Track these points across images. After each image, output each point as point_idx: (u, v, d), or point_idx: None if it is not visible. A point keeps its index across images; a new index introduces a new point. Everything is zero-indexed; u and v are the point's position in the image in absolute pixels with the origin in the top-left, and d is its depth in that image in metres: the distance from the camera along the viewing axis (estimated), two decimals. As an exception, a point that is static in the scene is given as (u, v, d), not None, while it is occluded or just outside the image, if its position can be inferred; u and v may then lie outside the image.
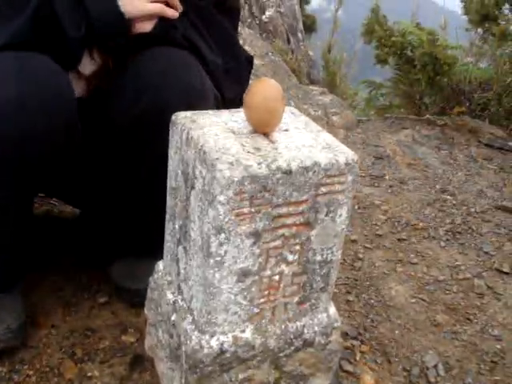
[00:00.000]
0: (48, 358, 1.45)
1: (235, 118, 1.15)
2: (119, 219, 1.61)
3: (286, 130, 1.14)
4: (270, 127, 1.09)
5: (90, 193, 1.64)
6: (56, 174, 1.38)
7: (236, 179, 0.96)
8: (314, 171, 1.03)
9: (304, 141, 1.10)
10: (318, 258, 1.14)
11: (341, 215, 1.11)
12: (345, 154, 1.07)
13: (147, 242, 1.55)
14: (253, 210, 1.01)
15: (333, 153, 1.07)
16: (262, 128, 1.09)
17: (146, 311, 1.38)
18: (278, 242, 1.07)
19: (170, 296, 1.23)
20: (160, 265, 1.32)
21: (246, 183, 0.97)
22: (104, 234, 1.71)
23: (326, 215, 1.09)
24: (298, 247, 1.10)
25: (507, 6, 4.19)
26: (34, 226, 1.51)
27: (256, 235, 1.04)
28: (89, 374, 1.42)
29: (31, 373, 1.39)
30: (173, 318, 1.20)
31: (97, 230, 1.75)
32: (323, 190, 1.06)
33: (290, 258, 1.10)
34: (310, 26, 8.13)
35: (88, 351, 1.48)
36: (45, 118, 1.21)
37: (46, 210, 2.08)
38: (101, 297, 1.67)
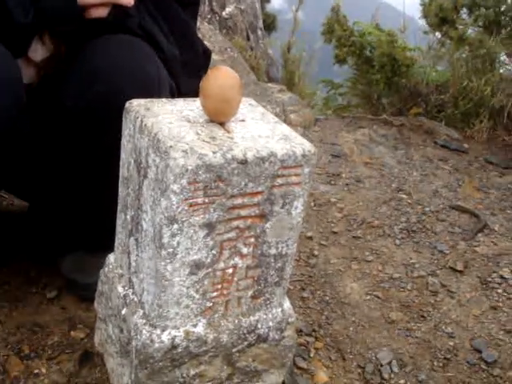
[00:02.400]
0: (-8, 354, 1.40)
1: (191, 106, 1.12)
2: (69, 212, 1.56)
3: (243, 121, 1.12)
4: (226, 116, 1.07)
5: (38, 185, 1.59)
6: (2, 164, 1.33)
7: (190, 168, 0.93)
8: (270, 162, 1.01)
9: (261, 131, 1.08)
10: (273, 251, 1.12)
11: (296, 208, 1.09)
12: (302, 145, 1.05)
13: (98, 235, 1.50)
14: (207, 200, 0.98)
15: (290, 144, 1.05)
16: (218, 117, 1.06)
17: (95, 305, 1.34)
18: (232, 234, 1.05)
19: (120, 289, 1.20)
20: (111, 257, 1.29)
21: (200, 172, 0.95)
22: (53, 227, 1.66)
23: (282, 207, 1.07)
24: (252, 240, 1.08)
25: (465, 10, 4.25)
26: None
27: (210, 226, 1.01)
28: (36, 371, 1.36)
29: (-26, 369, 1.34)
30: (123, 312, 1.17)
31: (46, 223, 1.69)
32: (279, 181, 1.04)
33: (245, 250, 1.08)
34: (269, 25, 8.13)
35: (35, 347, 1.43)
36: None
37: (-5, 203, 2.01)
38: (50, 291, 1.62)
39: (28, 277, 1.66)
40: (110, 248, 1.30)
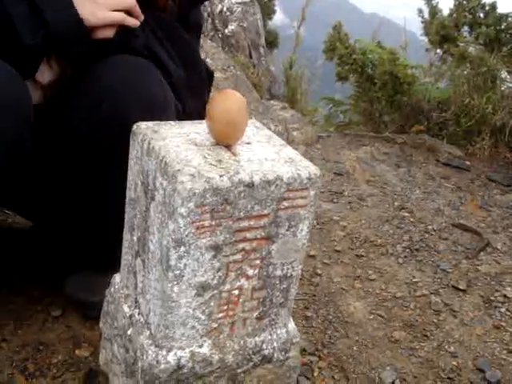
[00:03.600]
0: (-3, 372, 1.40)
1: (197, 129, 1.14)
2: (74, 231, 1.57)
3: (249, 143, 1.13)
4: (233, 140, 1.08)
5: (43, 204, 1.60)
6: (8, 184, 1.34)
7: (197, 191, 0.94)
8: (277, 185, 1.02)
9: (267, 154, 1.09)
10: (278, 272, 1.13)
11: (302, 230, 1.10)
12: (307, 168, 1.07)
13: (103, 254, 1.51)
14: (213, 223, 0.99)
15: (295, 167, 1.06)
16: (225, 140, 1.08)
17: (101, 325, 1.34)
18: (238, 256, 1.05)
19: (126, 310, 1.20)
20: (117, 277, 1.29)
21: (207, 195, 0.96)
22: (58, 246, 1.67)
23: (288, 230, 1.08)
24: (258, 262, 1.09)
25: (466, 27, 4.28)
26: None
27: (216, 249, 1.02)
28: (40, 390, 1.37)
29: (-21, 388, 1.35)
30: (129, 332, 1.17)
31: (51, 242, 1.70)
32: (285, 204, 1.05)
33: (250, 272, 1.09)
34: (272, 42, 8.19)
35: (40, 366, 1.44)
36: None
37: (-1, 220, 2.02)
38: (54, 310, 1.62)
39: (32, 295, 1.67)
40: (114, 267, 1.31)
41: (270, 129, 3.51)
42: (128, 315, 1.19)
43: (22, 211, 1.78)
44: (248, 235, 1.04)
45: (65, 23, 1.23)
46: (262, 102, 4.01)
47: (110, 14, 1.28)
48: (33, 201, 1.61)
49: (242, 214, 1.01)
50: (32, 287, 1.69)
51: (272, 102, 4.58)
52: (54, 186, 1.49)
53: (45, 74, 1.36)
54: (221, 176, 0.97)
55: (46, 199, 1.56)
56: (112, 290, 1.29)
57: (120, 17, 1.30)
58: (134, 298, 1.20)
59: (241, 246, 1.05)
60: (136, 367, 1.14)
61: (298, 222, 1.09)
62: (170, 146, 1.04)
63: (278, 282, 1.14)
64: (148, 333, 1.13)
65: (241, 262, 1.07)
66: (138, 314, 1.17)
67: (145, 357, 1.10)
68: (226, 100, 1.05)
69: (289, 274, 1.14)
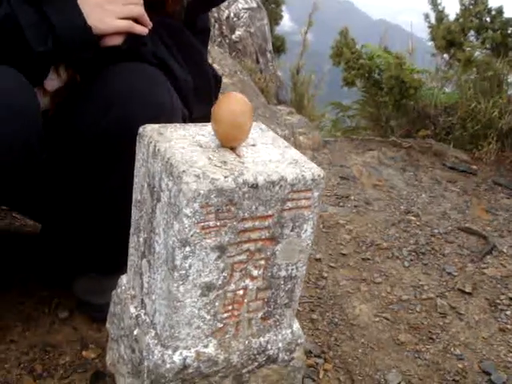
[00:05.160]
0: (5, 373, 1.41)
1: (202, 131, 1.15)
2: (82, 234, 1.58)
3: (254, 145, 1.14)
4: (237, 142, 1.10)
5: (52, 208, 1.62)
6: (18, 188, 1.36)
7: (202, 192, 0.96)
8: (281, 186, 1.03)
9: (271, 156, 1.10)
10: (283, 273, 1.14)
11: (306, 230, 1.11)
12: (311, 169, 1.08)
13: (110, 257, 1.53)
14: (218, 223, 1.00)
15: (299, 168, 1.07)
16: (229, 142, 1.09)
17: (107, 325, 1.36)
18: (242, 257, 1.07)
19: (132, 310, 1.22)
20: (123, 279, 1.31)
21: (212, 196, 0.97)
22: (66, 249, 1.68)
23: (292, 230, 1.10)
24: (262, 262, 1.10)
25: (473, 32, 4.29)
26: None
27: (221, 249, 1.03)
28: (48, 391, 1.39)
29: (-13, 388, 1.36)
30: (135, 332, 1.19)
31: (59, 245, 1.72)
32: (289, 205, 1.06)
33: (255, 272, 1.10)
34: (279, 47, 8.21)
35: (47, 367, 1.45)
36: (7, 132, 1.18)
37: (8, 224, 2.04)
38: (62, 312, 1.64)
39: (40, 297, 1.68)
40: (121, 270, 1.32)
41: (277, 133, 3.53)
42: (134, 316, 1.20)
43: (32, 214, 1.80)
44: (252, 236, 1.06)
45: (73, 30, 1.25)
46: (269, 107, 4.02)
47: (119, 22, 1.30)
48: (42, 204, 1.63)
49: (246, 214, 1.02)
50: (40, 289, 1.71)
51: (279, 107, 4.59)
52: (62, 190, 1.51)
53: (52, 82, 1.37)
54: (225, 177, 0.98)
55: (55, 203, 1.58)
56: (119, 291, 1.30)
57: (128, 25, 1.31)
58: (140, 298, 1.21)
59: (245, 246, 1.06)
60: (142, 367, 1.15)
61: (302, 222, 1.10)
62: (176, 148, 1.05)
63: (282, 283, 1.15)
64: (154, 333, 1.14)
65: (245, 263, 1.08)
66: (144, 314, 1.19)
67: (151, 356, 1.11)
68: (231, 102, 1.07)
69: (293, 275, 1.15)
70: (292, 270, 1.15)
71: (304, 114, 5.34)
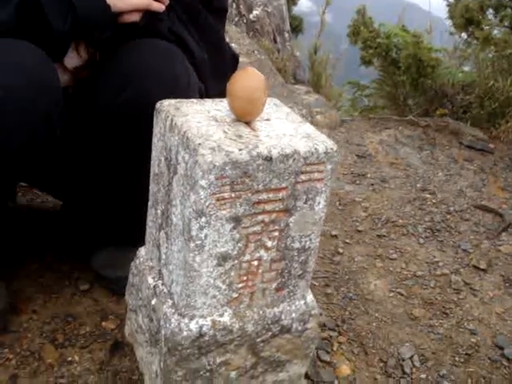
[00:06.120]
0: (29, 342, 1.46)
1: (218, 106, 1.17)
2: (101, 209, 1.62)
3: (268, 120, 1.16)
4: (252, 116, 1.12)
5: (71, 183, 1.65)
6: (39, 164, 1.39)
7: (217, 164, 0.98)
8: (294, 159, 1.06)
9: (285, 130, 1.13)
10: (297, 244, 1.16)
11: (319, 203, 1.14)
12: (324, 143, 1.10)
13: (128, 231, 1.56)
14: (233, 195, 1.03)
15: (312, 142, 1.09)
16: (244, 116, 1.11)
17: (126, 296, 1.40)
18: (257, 228, 1.09)
19: (150, 281, 1.25)
20: (142, 250, 1.34)
21: (227, 168, 1.00)
22: (86, 224, 1.72)
23: (305, 203, 1.12)
24: (276, 233, 1.13)
25: (491, 10, 4.25)
26: (14, 215, 1.51)
27: (236, 220, 1.06)
28: (69, 359, 1.43)
29: (11, 356, 1.40)
30: (153, 302, 1.22)
31: (78, 220, 1.76)
32: (302, 177, 1.08)
33: (269, 244, 1.13)
34: (296, 27, 8.18)
35: (69, 337, 1.50)
36: (30, 106, 1.21)
37: (29, 200, 2.08)
38: (82, 284, 1.68)
39: (61, 271, 1.73)
40: (139, 243, 1.36)
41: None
42: (152, 286, 1.24)
43: (52, 190, 1.84)
44: (267, 207, 1.08)
45: (92, 9, 1.28)
46: (287, 87, 4.03)
47: (136, 0, 1.32)
48: (61, 180, 1.67)
49: (260, 186, 1.05)
50: (61, 263, 1.75)
51: (296, 86, 4.60)
52: (81, 166, 1.54)
53: (73, 60, 1.40)
54: (240, 150, 1.01)
55: (74, 178, 1.61)
56: (137, 262, 1.34)
57: (145, 2, 1.34)
58: (158, 269, 1.24)
59: (260, 217, 1.09)
60: (159, 335, 1.18)
61: (315, 195, 1.12)
62: (192, 122, 1.08)
63: (296, 254, 1.18)
64: (171, 302, 1.17)
65: (260, 234, 1.11)
66: (162, 284, 1.22)
67: (168, 325, 1.15)
68: (246, 77, 1.09)
69: (307, 247, 1.18)
70: (305, 241, 1.17)
71: (321, 93, 5.34)
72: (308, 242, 1.18)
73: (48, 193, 1.94)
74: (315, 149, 1.08)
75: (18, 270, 1.68)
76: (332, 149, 1.10)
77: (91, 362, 1.43)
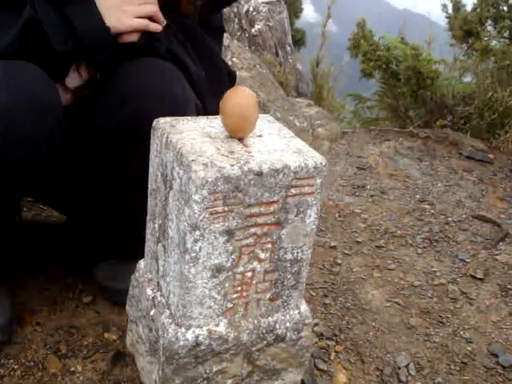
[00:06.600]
0: (33, 353, 1.50)
1: (212, 123, 1.22)
2: (103, 224, 1.67)
3: (260, 136, 1.21)
4: (244, 132, 1.16)
5: (74, 199, 1.70)
6: (42, 180, 1.44)
7: (210, 179, 1.03)
8: (284, 173, 1.10)
9: (276, 146, 1.17)
10: (289, 256, 1.21)
11: (310, 216, 1.18)
12: (314, 158, 1.14)
13: (130, 244, 1.61)
14: (226, 208, 1.08)
15: (303, 157, 1.14)
16: (237, 133, 1.16)
17: (127, 308, 1.44)
18: (250, 240, 1.14)
19: (149, 292, 1.30)
20: (141, 263, 1.39)
21: (219, 183, 1.04)
22: (89, 238, 1.77)
23: (296, 215, 1.16)
24: (269, 245, 1.17)
25: (490, 21, 4.29)
26: (20, 229, 1.56)
27: (229, 233, 1.11)
28: (72, 369, 1.47)
29: (16, 367, 1.45)
30: (152, 313, 1.27)
31: (82, 234, 1.81)
32: (293, 191, 1.13)
33: (262, 255, 1.17)
34: (299, 40, 8.26)
35: (72, 347, 1.54)
36: (32, 126, 1.26)
37: (35, 215, 2.14)
38: (85, 297, 1.73)
39: (65, 283, 1.77)
40: (139, 256, 1.41)
41: (295, 125, 3.57)
42: (151, 297, 1.28)
43: (55, 205, 1.89)
44: (259, 220, 1.13)
45: (93, 31, 1.33)
46: (288, 100, 4.08)
47: (135, 21, 1.38)
48: (64, 195, 1.72)
49: (252, 200, 1.09)
50: (65, 275, 1.80)
51: (298, 99, 4.65)
52: (83, 182, 1.59)
53: (74, 80, 1.45)
54: (232, 165, 1.05)
55: (77, 194, 1.66)
56: (137, 274, 1.39)
57: (143, 23, 1.39)
58: (157, 281, 1.29)
59: (252, 230, 1.13)
60: (158, 345, 1.23)
61: (305, 208, 1.16)
62: (187, 139, 1.12)
63: (289, 265, 1.22)
64: (168, 312, 1.22)
65: (253, 246, 1.15)
66: (160, 295, 1.27)
67: (165, 335, 1.19)
68: (237, 95, 1.14)
69: (299, 258, 1.22)
70: (298, 253, 1.21)
71: (324, 105, 5.39)
72: (300, 254, 1.22)
73: (52, 207, 1.99)
74: (305, 163, 1.12)
75: (23, 282, 1.73)
76: (321, 163, 1.14)
77: (93, 372, 1.47)
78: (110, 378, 1.45)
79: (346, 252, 2.32)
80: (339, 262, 2.24)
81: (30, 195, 1.82)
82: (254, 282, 1.20)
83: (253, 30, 5.64)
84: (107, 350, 1.55)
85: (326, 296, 2.00)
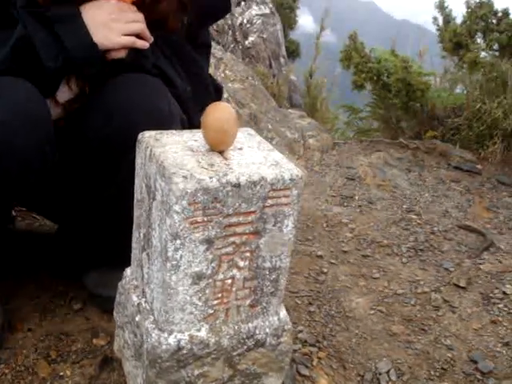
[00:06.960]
0: (24, 358, 1.55)
1: (195, 137, 1.28)
2: (93, 233, 1.72)
3: (241, 149, 1.27)
4: (225, 146, 1.22)
5: (64, 208, 1.76)
6: (33, 191, 1.50)
7: (189, 191, 1.09)
8: (261, 185, 1.16)
9: (255, 158, 1.23)
10: (268, 264, 1.26)
11: (287, 225, 1.23)
12: (290, 170, 1.20)
13: (118, 252, 1.66)
14: (205, 218, 1.13)
15: (279, 169, 1.19)
16: (217, 146, 1.22)
17: (114, 314, 1.49)
18: (229, 249, 1.19)
19: (135, 299, 1.35)
20: (127, 271, 1.44)
21: (198, 194, 1.10)
22: (79, 246, 1.82)
23: (274, 225, 1.22)
24: (248, 254, 1.22)
25: (479, 34, 4.37)
26: (13, 238, 1.61)
27: (209, 242, 1.16)
28: (61, 374, 1.52)
29: (7, 371, 1.50)
30: (137, 318, 1.32)
31: (73, 243, 1.86)
32: (270, 202, 1.18)
33: (241, 263, 1.23)
34: (293, 52, 8.33)
35: (61, 353, 1.59)
36: (23, 140, 1.32)
37: (28, 224, 2.19)
38: (75, 304, 1.78)
39: (56, 291, 1.82)
40: (128, 264, 1.46)
41: (286, 136, 3.62)
42: (136, 304, 1.34)
43: (47, 214, 1.94)
44: (238, 230, 1.18)
45: (82, 48, 1.40)
46: (280, 111, 4.14)
47: (122, 39, 1.44)
48: (55, 205, 1.77)
49: (230, 210, 1.15)
50: (57, 283, 1.85)
51: (290, 110, 4.71)
52: (73, 192, 1.65)
53: (64, 94, 1.51)
54: (211, 177, 1.11)
55: (67, 204, 1.72)
56: (123, 282, 1.44)
57: (131, 40, 1.46)
58: (142, 288, 1.34)
59: (231, 239, 1.19)
60: (142, 349, 1.28)
61: (283, 218, 1.22)
62: (169, 152, 1.18)
63: (267, 273, 1.27)
64: (152, 318, 1.27)
65: (232, 255, 1.20)
66: (145, 302, 1.32)
67: (149, 339, 1.24)
68: (217, 110, 1.20)
69: (277, 266, 1.28)
70: (276, 261, 1.27)
71: (317, 116, 5.45)
72: (278, 262, 1.27)
73: (44, 216, 2.04)
74: (281, 176, 1.18)
75: (15, 289, 1.78)
76: (297, 175, 1.20)
77: (82, 376, 1.52)
78: (98, 383, 1.50)
79: (333, 261, 2.38)
80: (325, 270, 2.29)
81: (22, 204, 1.87)
82: (233, 289, 1.25)
83: (247, 42, 5.72)
84: (95, 355, 1.60)
85: (310, 304, 2.05)
